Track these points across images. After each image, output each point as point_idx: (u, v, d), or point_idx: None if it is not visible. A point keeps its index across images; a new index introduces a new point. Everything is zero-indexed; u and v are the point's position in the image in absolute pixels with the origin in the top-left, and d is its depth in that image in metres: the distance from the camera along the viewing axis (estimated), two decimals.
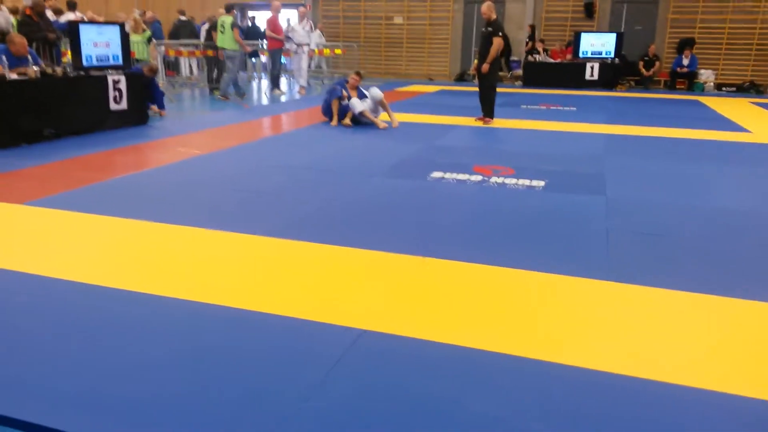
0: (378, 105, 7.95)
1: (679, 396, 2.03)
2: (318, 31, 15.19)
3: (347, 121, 7.90)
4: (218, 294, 2.75)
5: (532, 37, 15.23)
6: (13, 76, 6.22)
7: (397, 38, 17.52)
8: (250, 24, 16.37)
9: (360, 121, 8.00)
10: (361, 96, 8.24)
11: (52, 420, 1.83)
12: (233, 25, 10.35)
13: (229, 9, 10.66)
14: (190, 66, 14.19)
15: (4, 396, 1.95)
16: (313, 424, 1.83)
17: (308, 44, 12.13)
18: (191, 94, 11.93)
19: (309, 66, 13.61)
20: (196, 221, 3.77)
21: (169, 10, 18.22)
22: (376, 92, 7.95)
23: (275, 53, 11.84)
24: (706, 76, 14.86)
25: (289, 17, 18.46)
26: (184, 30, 13.77)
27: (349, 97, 8.03)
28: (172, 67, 13.01)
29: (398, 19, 17.33)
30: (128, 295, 2.73)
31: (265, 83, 14.11)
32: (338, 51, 15.22)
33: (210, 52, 11.67)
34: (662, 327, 2.52)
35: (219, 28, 10.50)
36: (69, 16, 10.26)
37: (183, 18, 14.02)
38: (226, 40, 10.44)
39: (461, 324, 2.52)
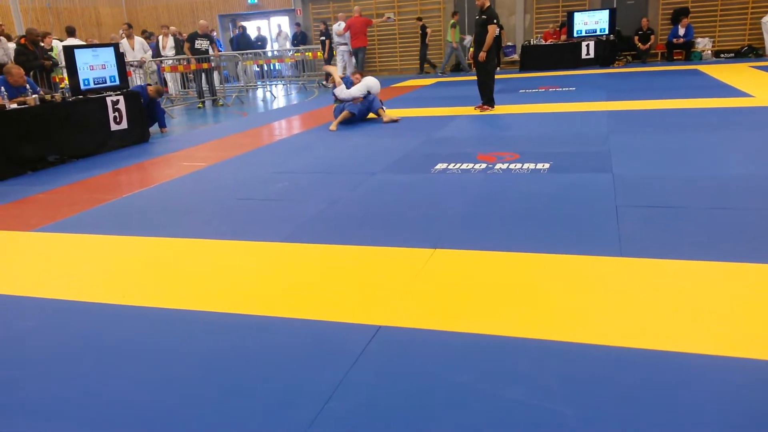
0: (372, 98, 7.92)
1: (705, 366, 2.02)
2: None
3: (338, 121, 7.86)
4: (232, 303, 2.76)
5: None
6: (13, 105, 6.27)
7: (389, 35, 17.49)
8: (239, 32, 16.38)
9: (358, 118, 7.98)
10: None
11: None
12: (453, 25, 14.78)
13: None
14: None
15: (29, 419, 1.97)
16: (340, 422, 1.83)
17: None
18: (187, 109, 11.96)
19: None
20: (205, 233, 3.79)
21: (160, 29, 18.26)
22: (374, 83, 7.90)
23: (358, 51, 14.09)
24: (703, 44, 14.73)
25: (279, 23, 18.50)
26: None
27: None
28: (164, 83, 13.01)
29: (389, 16, 17.30)
30: (146, 311, 2.74)
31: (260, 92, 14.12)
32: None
33: (198, 66, 11.56)
34: (680, 298, 2.50)
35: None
36: (73, 42, 10.30)
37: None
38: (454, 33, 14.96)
39: (478, 312, 2.51)
